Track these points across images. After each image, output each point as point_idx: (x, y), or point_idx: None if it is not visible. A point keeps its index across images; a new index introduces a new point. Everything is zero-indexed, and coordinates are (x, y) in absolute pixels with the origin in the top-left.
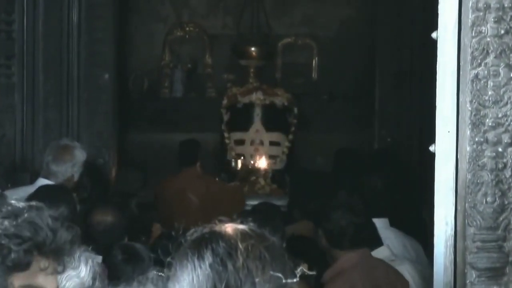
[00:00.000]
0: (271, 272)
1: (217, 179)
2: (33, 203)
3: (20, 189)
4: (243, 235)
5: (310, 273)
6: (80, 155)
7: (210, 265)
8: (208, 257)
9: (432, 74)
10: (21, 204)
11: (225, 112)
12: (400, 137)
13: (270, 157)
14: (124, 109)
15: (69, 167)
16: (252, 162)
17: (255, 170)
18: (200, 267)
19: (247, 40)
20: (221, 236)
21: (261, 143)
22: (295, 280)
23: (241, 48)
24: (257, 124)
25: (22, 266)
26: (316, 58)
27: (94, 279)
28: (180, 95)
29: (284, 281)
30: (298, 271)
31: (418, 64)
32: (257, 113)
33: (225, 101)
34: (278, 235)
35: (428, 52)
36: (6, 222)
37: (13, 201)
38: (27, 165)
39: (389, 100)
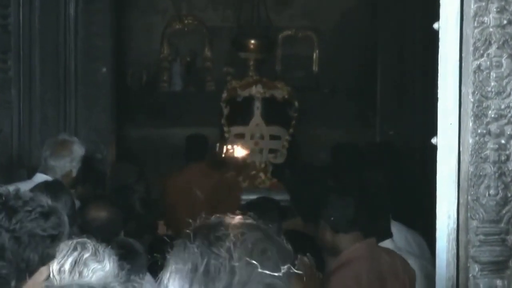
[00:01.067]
0: (253, 262)
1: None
2: (49, 201)
3: (19, 184)
4: (237, 225)
5: (298, 272)
6: (78, 150)
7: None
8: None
9: (434, 66)
10: (46, 202)
11: (225, 106)
12: (402, 130)
13: (270, 151)
14: (122, 104)
15: (67, 162)
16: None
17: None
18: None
19: (247, 33)
20: (214, 225)
21: (261, 137)
22: (277, 274)
23: (241, 41)
24: (257, 117)
25: (50, 260)
26: (317, 51)
27: (117, 275)
28: (179, 89)
29: (260, 270)
30: (285, 268)
31: (420, 57)
32: (257, 106)
33: (224, 95)
34: (273, 229)
35: (430, 43)
36: (40, 222)
37: (38, 198)
38: (24, 161)
39: (391, 93)
